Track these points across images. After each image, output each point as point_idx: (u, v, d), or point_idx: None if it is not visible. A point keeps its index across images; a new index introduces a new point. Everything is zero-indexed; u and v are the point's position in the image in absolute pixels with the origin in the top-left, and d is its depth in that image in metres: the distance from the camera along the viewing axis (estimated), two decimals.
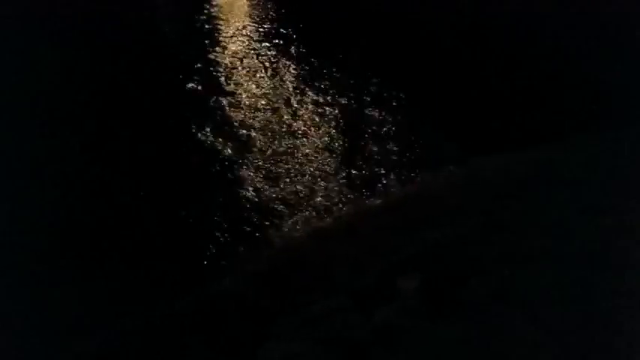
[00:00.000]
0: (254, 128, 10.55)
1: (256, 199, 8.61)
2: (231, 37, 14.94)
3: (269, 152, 9.85)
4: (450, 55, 12.70)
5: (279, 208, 8.44)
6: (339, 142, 10.26)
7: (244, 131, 10.43)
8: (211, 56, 13.68)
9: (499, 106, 10.73)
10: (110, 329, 5.98)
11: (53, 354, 5.82)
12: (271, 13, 16.65)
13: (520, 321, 4.62)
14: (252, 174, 9.20)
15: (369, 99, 11.66)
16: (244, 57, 13.70)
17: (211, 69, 13.01)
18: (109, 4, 15.44)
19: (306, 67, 12.96)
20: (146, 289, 6.73)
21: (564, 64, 11.48)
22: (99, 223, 7.94)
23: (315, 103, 11.57)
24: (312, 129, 10.65)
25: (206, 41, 14.59)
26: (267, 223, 8.14)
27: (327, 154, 9.90)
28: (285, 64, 13.26)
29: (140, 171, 9.15)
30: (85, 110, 10.76)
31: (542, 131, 8.78)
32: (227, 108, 11.28)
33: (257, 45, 14.34)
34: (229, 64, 13.30)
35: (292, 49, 13.94)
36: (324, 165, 9.60)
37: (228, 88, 12.11)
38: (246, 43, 14.51)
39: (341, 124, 10.85)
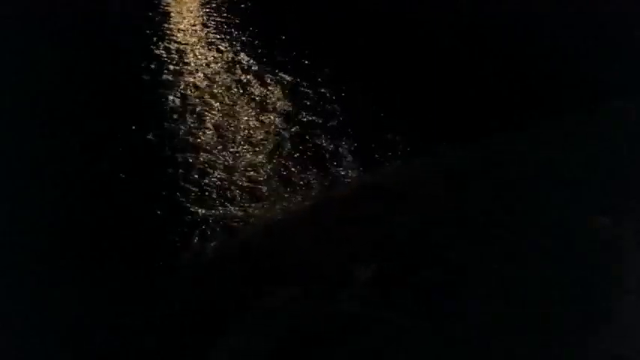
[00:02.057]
0: (250, 126, 10.59)
1: (222, 191, 8.63)
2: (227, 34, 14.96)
3: (243, 143, 9.93)
4: (449, 55, 12.70)
5: (236, 198, 8.43)
6: (322, 134, 10.26)
7: (239, 128, 10.47)
8: (217, 58, 13.69)
9: (497, 105, 10.73)
10: (110, 329, 5.99)
11: (53, 354, 5.82)
12: (270, 11, 16.64)
13: (520, 321, 4.64)
14: (229, 169, 9.23)
15: (363, 95, 11.64)
16: (242, 53, 13.73)
17: (212, 69, 13.02)
18: (109, 4, 15.45)
19: (304, 69, 12.96)
20: (146, 289, 6.73)
21: (563, 64, 11.49)
22: (99, 223, 7.93)
23: (299, 96, 11.59)
24: (295, 121, 10.68)
25: (206, 40, 14.60)
26: (222, 213, 8.11)
27: (305, 143, 9.95)
28: (284, 63, 13.23)
29: (140, 171, 9.15)
30: (85, 110, 10.75)
31: (540, 130, 8.77)
32: (227, 108, 11.29)
33: (257, 42, 14.35)
34: (231, 64, 13.33)
35: (302, 60, 13.57)
36: (303, 153, 9.69)
37: (225, 87, 12.12)
38: (235, 36, 14.53)
39: (325, 116, 10.84)
